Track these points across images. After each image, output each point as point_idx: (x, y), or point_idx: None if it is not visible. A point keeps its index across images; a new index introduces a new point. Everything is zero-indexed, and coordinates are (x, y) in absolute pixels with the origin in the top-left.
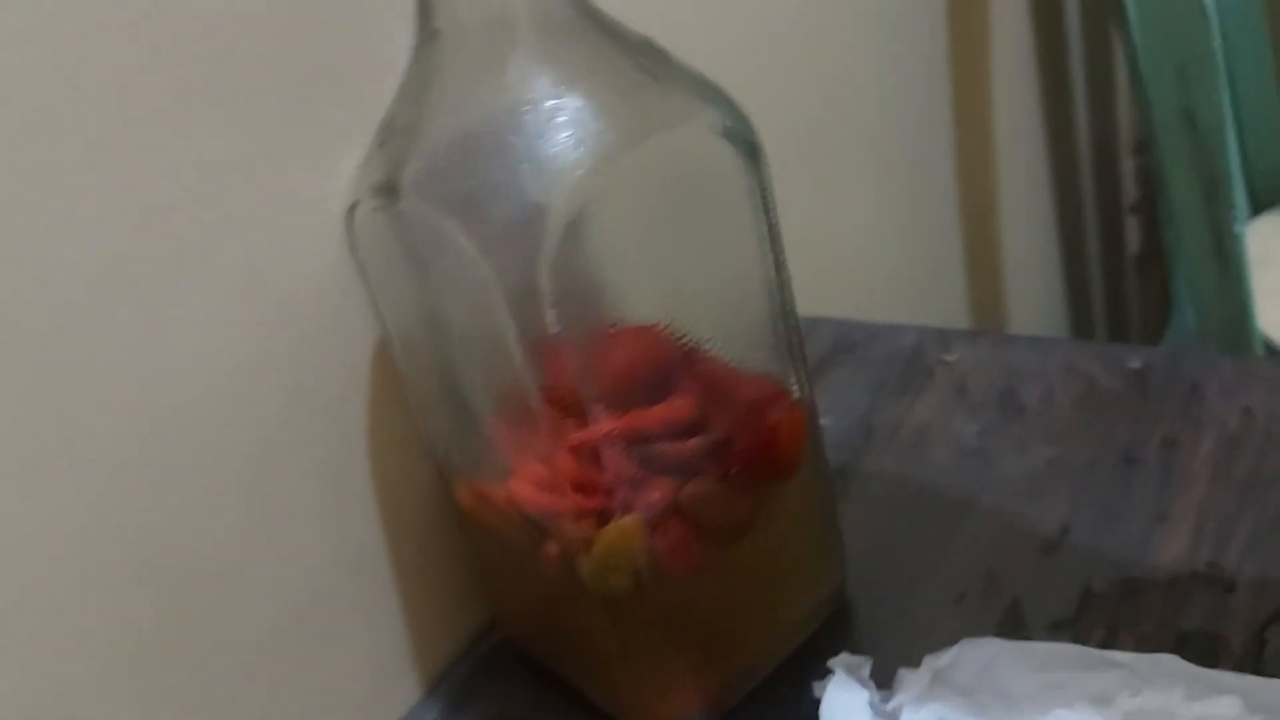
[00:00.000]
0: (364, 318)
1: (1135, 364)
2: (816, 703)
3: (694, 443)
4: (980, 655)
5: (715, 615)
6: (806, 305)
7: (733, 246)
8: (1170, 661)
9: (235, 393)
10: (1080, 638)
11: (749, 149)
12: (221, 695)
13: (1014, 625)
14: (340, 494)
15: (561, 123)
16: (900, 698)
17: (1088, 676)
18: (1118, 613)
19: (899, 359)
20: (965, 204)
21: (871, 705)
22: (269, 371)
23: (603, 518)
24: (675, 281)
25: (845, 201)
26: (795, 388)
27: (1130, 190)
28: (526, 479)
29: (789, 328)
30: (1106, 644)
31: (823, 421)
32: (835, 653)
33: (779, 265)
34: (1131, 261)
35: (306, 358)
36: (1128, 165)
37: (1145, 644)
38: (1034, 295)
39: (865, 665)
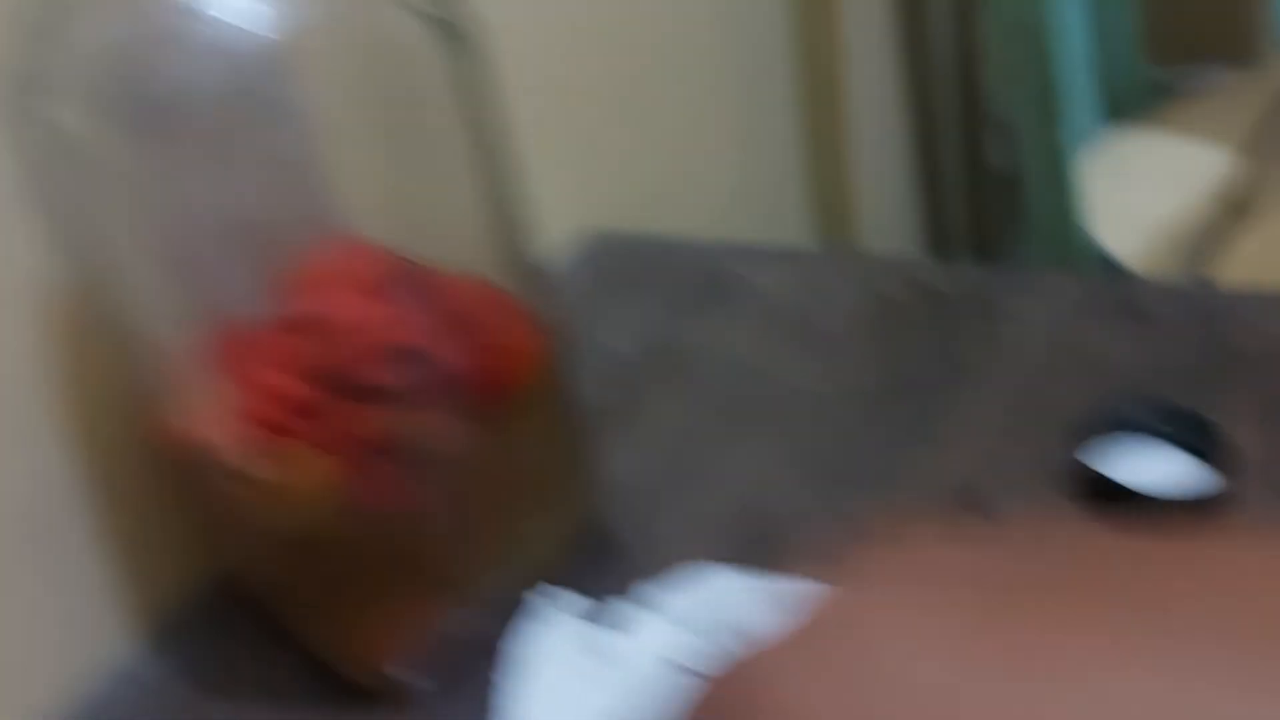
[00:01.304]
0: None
1: (938, 283)
2: None
3: (404, 370)
4: (706, 586)
5: (432, 551)
6: (637, 221)
7: (447, 148)
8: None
9: None
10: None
11: (450, 33)
12: None
13: (764, 554)
14: (27, 429)
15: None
16: (609, 632)
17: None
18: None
19: (697, 277)
20: (809, 115)
21: (574, 638)
22: None
23: (289, 452)
24: (387, 188)
25: (673, 112)
26: (528, 308)
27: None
28: (207, 415)
29: (517, 241)
30: None
31: (610, 341)
32: (579, 586)
33: (499, 170)
34: (990, 178)
35: None
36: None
37: None
38: (887, 211)
39: (571, 599)
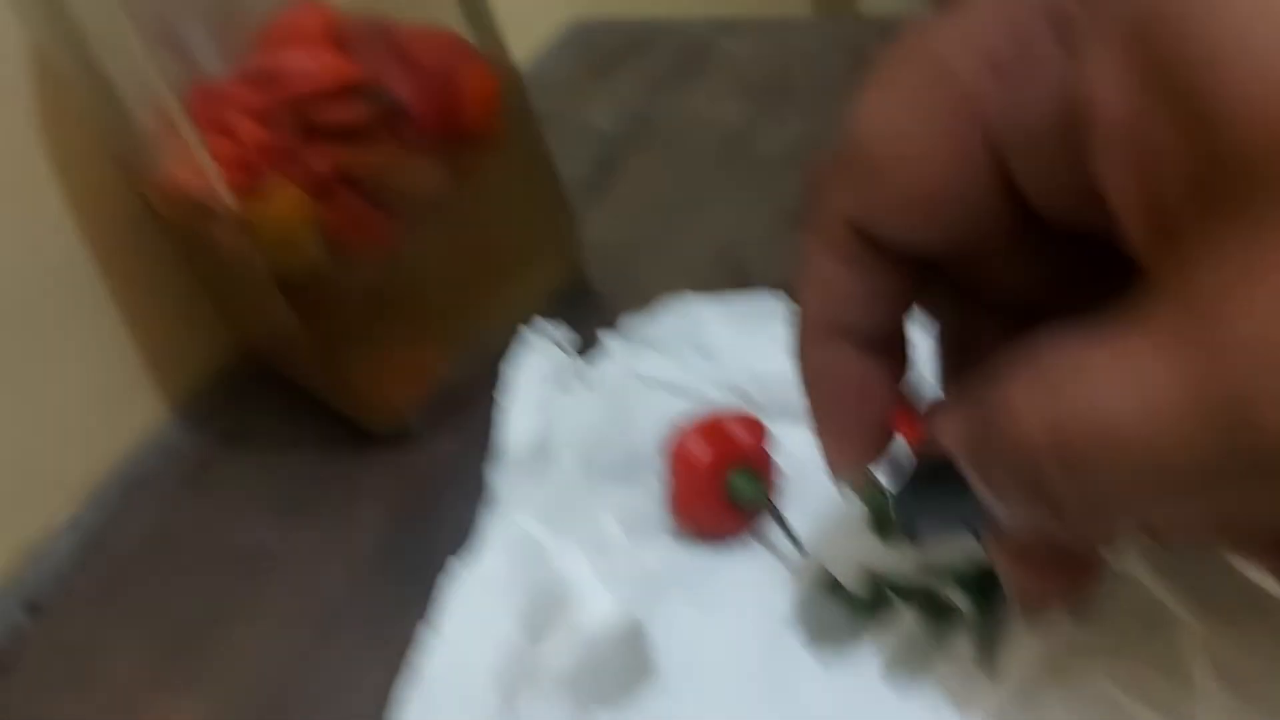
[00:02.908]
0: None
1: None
2: None
3: (355, 105)
4: (682, 314)
5: (420, 296)
6: (630, 7)
7: None
8: None
9: None
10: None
11: None
12: None
13: (744, 285)
14: (22, 201)
15: None
16: (597, 361)
17: (778, 328)
18: None
19: (682, 51)
20: None
21: (565, 367)
22: None
23: (263, 189)
24: None
25: None
26: (481, 49)
27: None
28: (181, 164)
29: None
30: None
31: (596, 118)
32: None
33: None
34: None
35: None
36: None
37: None
38: None
39: (561, 332)
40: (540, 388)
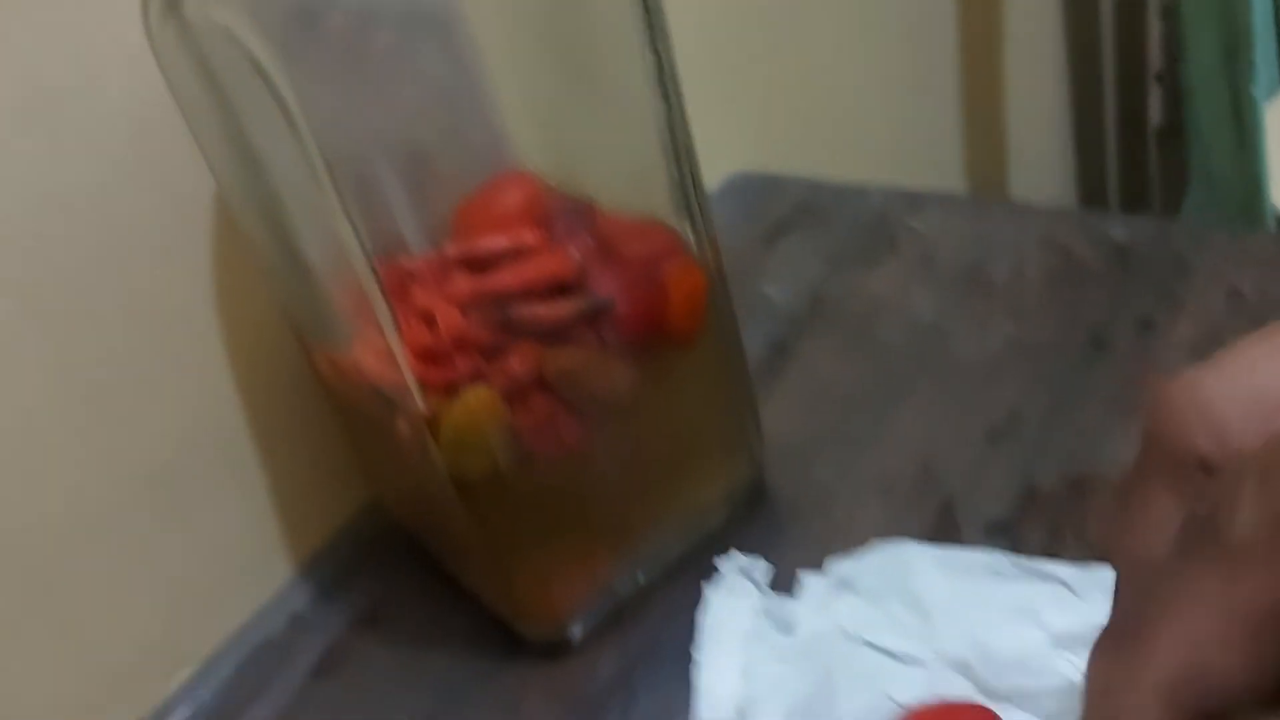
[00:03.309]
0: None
1: (1118, 236)
2: None
3: (563, 305)
4: (892, 559)
5: (598, 501)
6: (786, 164)
7: (617, 73)
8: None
9: (46, 233)
10: (1019, 542)
11: None
12: (61, 568)
13: (946, 525)
14: (185, 357)
15: None
16: (797, 604)
17: (1013, 588)
18: (1063, 515)
19: (862, 224)
20: (968, 64)
21: (764, 611)
22: (82, 212)
23: (452, 390)
24: (552, 117)
25: (835, 53)
26: (693, 244)
27: (1156, 57)
28: (368, 347)
29: (684, 174)
30: (1048, 550)
31: (769, 291)
32: (743, 549)
33: (669, 98)
34: (1153, 134)
35: (128, 199)
36: (1155, 29)
37: (1092, 553)
38: (1042, 164)
39: (758, 566)
40: (738, 642)
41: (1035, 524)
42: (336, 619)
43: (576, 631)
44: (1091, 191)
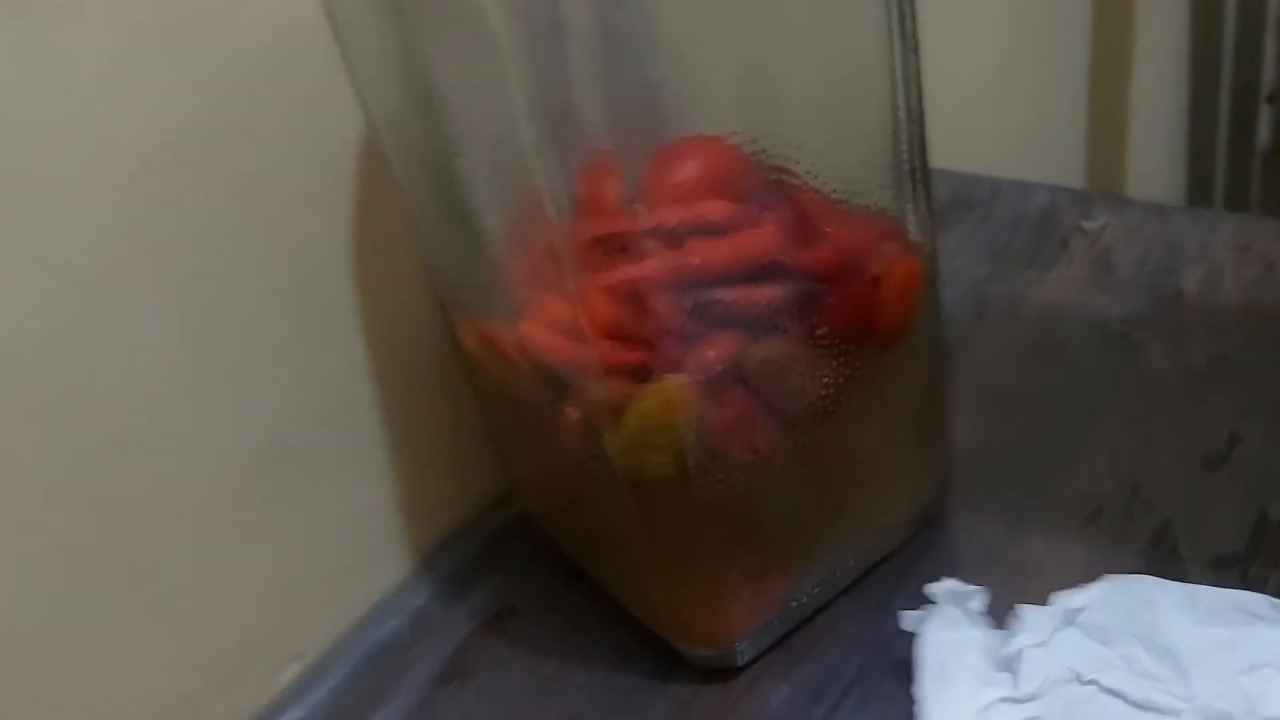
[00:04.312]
0: (349, 96)
1: None
2: (896, 630)
3: (770, 291)
4: (1128, 597)
5: (781, 513)
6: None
7: (847, 26)
8: None
9: (172, 178)
10: (1251, 579)
11: None
12: (167, 550)
13: (1164, 558)
14: (314, 322)
15: None
16: (1020, 640)
17: (1271, 634)
18: None
19: (1026, 222)
20: (1098, 63)
21: (986, 647)
22: (211, 155)
23: (641, 377)
24: (763, 76)
25: (973, 38)
26: (913, 230)
27: (1270, 77)
28: (544, 320)
29: (914, 149)
30: None
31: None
32: (925, 574)
33: (909, 57)
34: (1259, 154)
35: (265, 139)
36: (1271, 49)
37: None
38: (1153, 173)
39: (977, 597)
40: (966, 683)
41: (1269, 559)
42: (463, 619)
43: (742, 654)
44: (1196, 204)
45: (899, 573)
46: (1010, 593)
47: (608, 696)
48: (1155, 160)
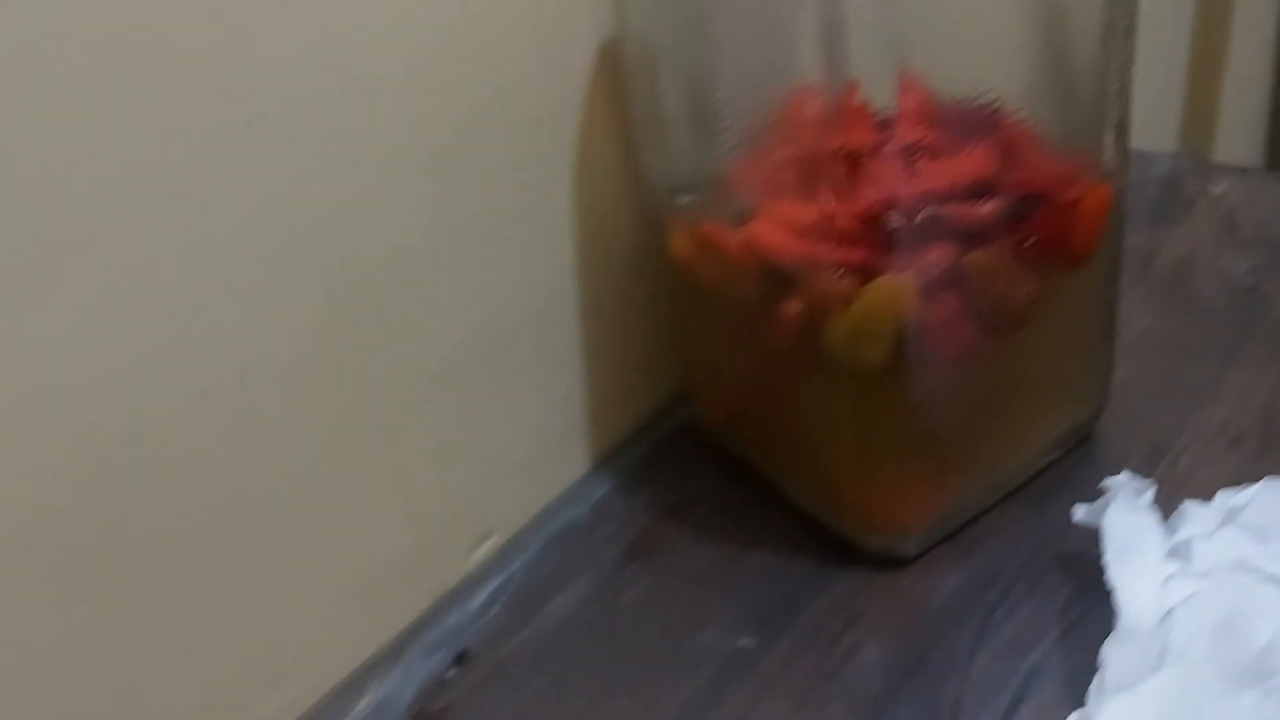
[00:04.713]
0: (592, 8)
1: None
2: (1057, 530)
3: (988, 206)
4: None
5: (966, 415)
6: None
7: None
8: None
9: (428, 77)
10: None
11: None
12: (379, 421)
13: None
14: (535, 221)
15: None
16: (1187, 531)
17: None
18: None
19: (1152, 186)
20: (1197, 40)
21: (1159, 534)
22: (465, 57)
23: (868, 275)
24: (982, 22)
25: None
26: (1108, 160)
27: None
28: (777, 222)
29: (1119, 86)
30: None
31: None
32: (1081, 486)
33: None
34: None
35: (516, 48)
36: None
37: None
38: (1243, 137)
39: (1149, 489)
40: (1151, 557)
41: None
42: (640, 510)
43: (915, 545)
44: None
45: (1056, 481)
46: (1166, 498)
47: (785, 579)
48: (1244, 123)
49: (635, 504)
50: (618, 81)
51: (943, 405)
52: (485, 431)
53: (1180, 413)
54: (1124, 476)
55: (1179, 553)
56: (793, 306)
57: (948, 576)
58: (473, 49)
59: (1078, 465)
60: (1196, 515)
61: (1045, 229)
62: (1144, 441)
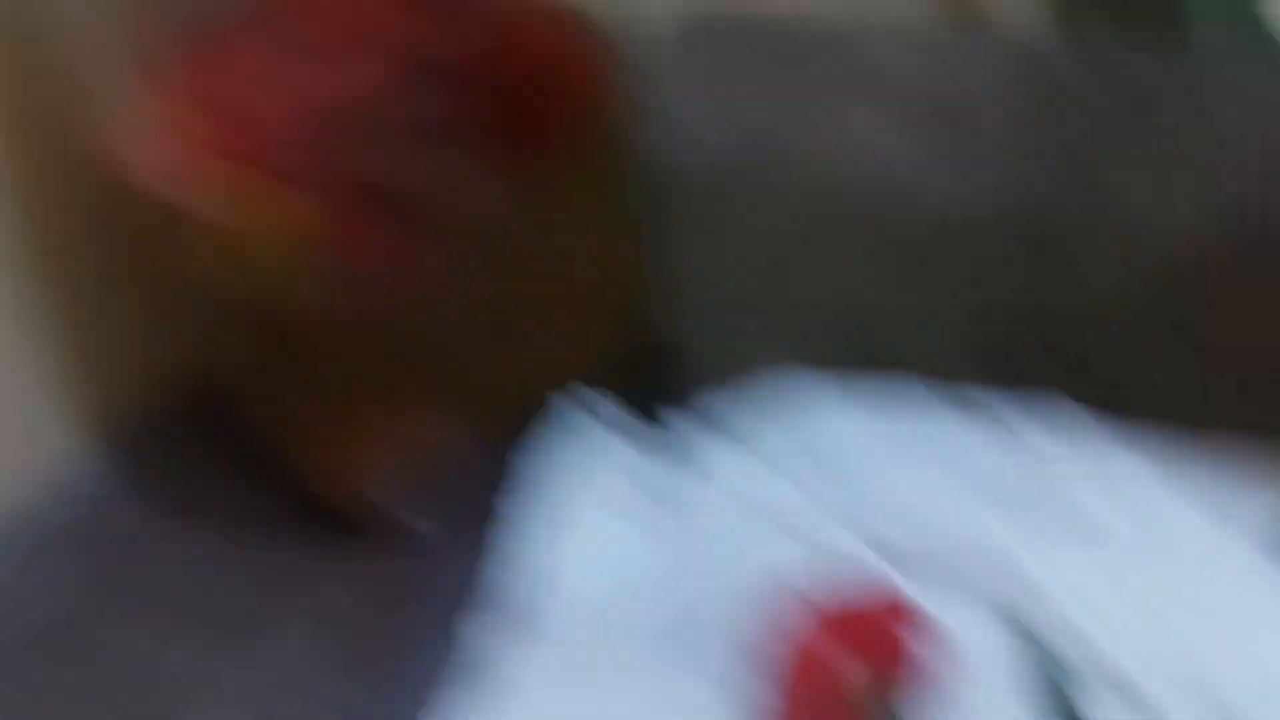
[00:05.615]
0: None
1: (1079, 67)
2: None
3: (420, 93)
4: (800, 408)
5: (442, 348)
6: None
7: None
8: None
9: None
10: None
11: None
12: None
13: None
14: None
15: None
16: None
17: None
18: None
19: (818, 57)
20: None
21: (628, 469)
22: None
23: (263, 194)
24: None
25: None
26: (597, 46)
27: None
28: (154, 143)
29: None
30: None
31: (706, 136)
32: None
33: None
34: None
35: None
36: None
37: None
38: None
39: (609, 408)
40: (596, 511)
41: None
42: (130, 500)
43: (403, 508)
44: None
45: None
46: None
47: (263, 562)
48: None
49: (123, 490)
50: None
51: (401, 340)
52: None
53: (758, 312)
54: (575, 389)
55: (668, 496)
56: (188, 241)
57: (440, 543)
58: None
59: (634, 389)
60: (702, 446)
61: (507, 115)
62: (713, 350)
